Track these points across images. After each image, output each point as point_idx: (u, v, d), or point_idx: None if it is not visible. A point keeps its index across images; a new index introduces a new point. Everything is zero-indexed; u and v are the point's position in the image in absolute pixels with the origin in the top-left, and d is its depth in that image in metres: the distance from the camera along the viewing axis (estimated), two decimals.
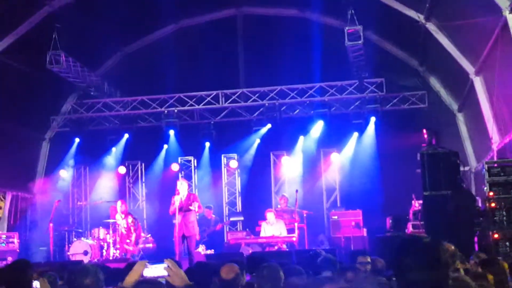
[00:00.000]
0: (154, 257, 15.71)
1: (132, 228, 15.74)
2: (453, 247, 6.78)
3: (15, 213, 19.48)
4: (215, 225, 18.40)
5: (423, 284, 2.83)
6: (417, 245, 2.96)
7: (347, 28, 16.03)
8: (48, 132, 20.51)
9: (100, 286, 4.97)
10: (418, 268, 2.83)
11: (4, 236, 17.71)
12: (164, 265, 4.08)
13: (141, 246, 17.21)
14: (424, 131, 13.29)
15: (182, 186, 14.23)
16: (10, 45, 16.67)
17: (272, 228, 16.12)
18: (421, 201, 13.51)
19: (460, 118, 18.50)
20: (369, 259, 7.86)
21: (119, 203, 16.37)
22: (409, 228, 15.06)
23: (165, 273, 4.07)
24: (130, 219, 15.87)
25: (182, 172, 20.32)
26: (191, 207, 14.12)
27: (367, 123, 18.94)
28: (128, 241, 15.90)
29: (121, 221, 15.89)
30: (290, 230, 16.36)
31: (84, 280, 4.88)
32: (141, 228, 16.66)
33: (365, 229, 17.32)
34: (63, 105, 20.52)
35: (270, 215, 16.26)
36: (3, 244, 17.40)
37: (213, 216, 18.71)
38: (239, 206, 20.24)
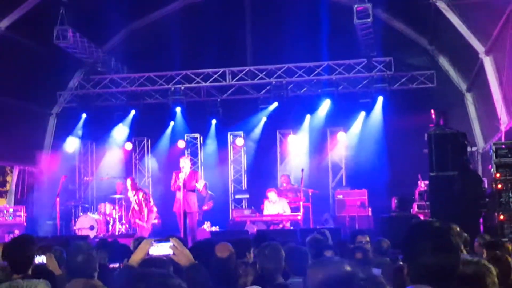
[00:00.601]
0: (160, 233, 15.82)
1: (143, 203, 15.65)
2: (458, 229, 6.75)
3: (22, 187, 19.60)
4: (207, 201, 18.28)
5: (435, 268, 2.85)
6: (428, 229, 2.97)
7: (356, 6, 15.91)
8: (55, 107, 20.55)
9: (93, 263, 4.97)
10: (430, 252, 2.86)
11: (11, 209, 17.85)
12: (170, 243, 4.08)
13: (155, 221, 17.20)
14: (432, 111, 13.19)
15: (185, 163, 14.24)
16: (16, 20, 16.60)
17: (275, 206, 16.16)
18: (427, 182, 13.48)
19: (469, 98, 18.42)
20: (367, 239, 7.88)
21: (128, 181, 16.29)
22: (415, 209, 15.07)
23: (170, 251, 4.07)
24: (141, 194, 15.75)
25: (188, 149, 20.35)
26: (197, 184, 14.14)
27: (374, 102, 18.86)
28: (141, 216, 15.79)
29: (133, 198, 15.80)
30: (295, 209, 16.39)
31: (76, 257, 4.88)
32: (152, 204, 16.48)
33: (370, 209, 17.34)
34: (70, 81, 20.53)
35: (271, 195, 16.30)
36: (10, 218, 17.55)
37: (209, 192, 18.62)
38: (244, 184, 20.27)
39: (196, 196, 14.71)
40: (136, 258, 4.18)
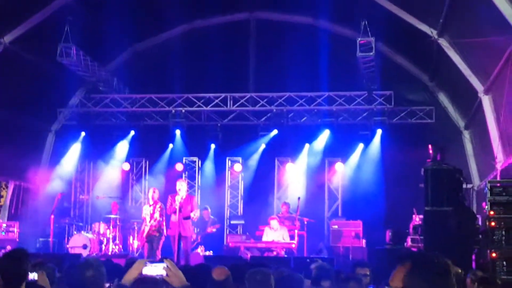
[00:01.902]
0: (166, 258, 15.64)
1: (158, 213, 15.17)
2: (450, 264, 6.74)
3: (16, 202, 19.53)
4: (210, 225, 18.36)
5: None
6: (428, 263, 2.97)
7: (359, 39, 16.08)
8: (54, 124, 20.57)
9: (102, 280, 4.98)
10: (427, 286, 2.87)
11: (4, 225, 17.78)
12: (164, 264, 4.10)
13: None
14: (430, 146, 13.25)
15: (182, 186, 14.21)
16: (21, 35, 16.69)
17: (275, 234, 16.20)
18: (421, 216, 13.50)
19: (466, 135, 18.51)
20: (367, 272, 7.83)
21: (151, 190, 15.77)
22: (409, 242, 15.06)
23: (164, 272, 4.09)
24: (158, 206, 15.31)
25: (186, 172, 20.35)
26: (191, 214, 14.03)
27: (373, 135, 18.96)
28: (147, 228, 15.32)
29: (148, 209, 15.34)
30: (290, 237, 16.39)
31: (85, 273, 4.89)
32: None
33: (364, 240, 17.33)
34: (71, 98, 20.58)
35: (273, 222, 16.38)
36: (3, 233, 17.47)
37: (211, 217, 18.73)
38: (240, 210, 20.25)
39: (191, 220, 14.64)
40: (129, 277, 4.19)
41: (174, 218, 13.92)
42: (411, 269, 2.94)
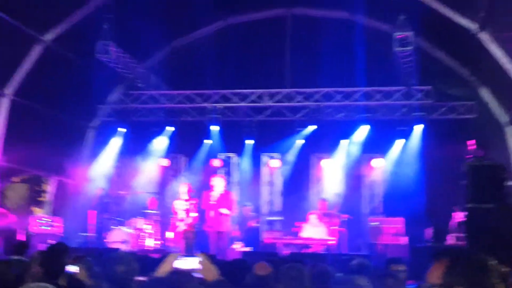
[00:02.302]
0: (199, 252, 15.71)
1: (192, 208, 15.22)
2: (494, 263, 6.60)
3: (58, 197, 19.83)
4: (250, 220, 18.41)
5: None
6: (466, 260, 2.93)
7: (397, 33, 15.88)
8: (94, 120, 20.78)
9: (132, 275, 5.01)
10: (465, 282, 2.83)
11: (47, 219, 18.01)
12: (197, 258, 4.08)
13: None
14: (471, 142, 13.04)
15: (217, 182, 14.20)
16: (61, 34, 16.94)
17: (314, 230, 16.10)
18: (463, 213, 13.28)
19: (509, 131, 18.14)
20: (402, 268, 7.72)
21: (184, 185, 15.84)
22: (449, 240, 14.84)
23: (197, 266, 4.07)
24: (193, 202, 15.37)
25: (223, 168, 20.38)
26: (222, 211, 13.97)
27: (412, 130, 18.73)
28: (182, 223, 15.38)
29: (182, 204, 15.36)
30: (329, 234, 16.27)
31: (118, 267, 4.92)
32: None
33: (405, 238, 17.10)
34: (110, 95, 20.77)
35: (312, 218, 16.28)
36: (48, 228, 17.69)
37: (251, 213, 18.75)
38: (277, 206, 20.20)
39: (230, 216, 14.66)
40: (163, 270, 4.19)
41: (211, 213, 13.93)
42: (449, 265, 2.91)
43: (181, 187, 15.82)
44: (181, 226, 15.05)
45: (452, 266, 2.90)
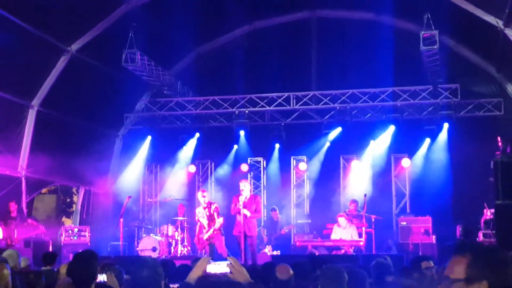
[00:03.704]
0: (220, 256, 15.78)
1: (215, 214, 15.32)
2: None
3: (87, 207, 20.00)
4: (281, 228, 18.48)
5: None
6: (491, 254, 2.96)
7: (422, 32, 15.82)
8: (121, 129, 20.94)
9: (158, 280, 5.01)
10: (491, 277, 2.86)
11: (76, 229, 18.16)
12: (227, 262, 4.10)
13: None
14: (499, 138, 12.93)
15: (245, 186, 14.23)
16: (87, 43, 17.13)
17: (344, 232, 16.08)
18: (493, 210, 13.17)
19: None
20: (431, 264, 7.70)
21: (202, 192, 15.90)
22: (480, 237, 14.71)
23: (227, 270, 4.09)
24: (213, 207, 15.41)
25: (251, 172, 20.43)
26: (244, 212, 13.87)
27: (440, 129, 18.61)
28: (204, 230, 15.42)
29: (203, 212, 15.40)
30: (358, 235, 16.23)
31: (141, 272, 4.94)
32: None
33: (434, 236, 17.00)
34: (137, 103, 20.92)
35: (341, 220, 16.25)
36: (75, 237, 17.84)
37: (279, 216, 18.80)
38: (307, 209, 20.19)
39: (257, 219, 14.68)
40: (193, 275, 4.20)
41: (239, 218, 13.95)
42: (473, 260, 2.92)
43: (198, 194, 15.92)
44: (204, 233, 15.12)
45: (475, 261, 2.91)
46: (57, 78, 17.11)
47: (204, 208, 15.25)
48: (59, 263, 11.23)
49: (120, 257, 14.70)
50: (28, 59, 15.99)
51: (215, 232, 15.06)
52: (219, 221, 15.12)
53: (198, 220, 15.34)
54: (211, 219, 15.15)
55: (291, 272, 6.38)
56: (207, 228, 15.10)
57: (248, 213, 13.89)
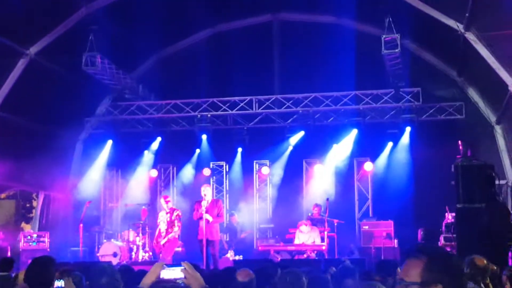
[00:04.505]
0: (183, 261, 15.59)
1: (176, 221, 15.27)
2: (485, 261, 6.57)
3: (47, 212, 19.69)
4: (240, 233, 18.43)
5: None
6: (445, 258, 3.00)
7: (384, 36, 15.87)
8: (82, 133, 20.65)
9: (117, 286, 4.92)
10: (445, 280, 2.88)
11: (35, 235, 17.88)
12: (182, 267, 4.00)
13: (178, 249, 17.16)
14: (460, 142, 13.01)
15: (207, 191, 14.12)
16: (46, 46, 16.83)
17: (307, 236, 16.04)
18: (454, 214, 13.24)
19: (498, 130, 18.14)
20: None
21: (164, 199, 15.81)
22: (441, 241, 14.80)
23: (182, 275, 3.99)
24: (175, 213, 15.36)
25: (214, 177, 20.32)
26: (206, 217, 13.80)
27: (402, 133, 18.74)
28: (163, 235, 15.33)
29: (164, 217, 15.34)
30: (321, 239, 16.21)
31: (100, 279, 4.84)
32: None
33: (396, 240, 17.07)
34: (98, 107, 20.66)
35: (303, 228, 16.21)
36: (34, 243, 17.56)
37: (238, 221, 18.76)
38: (269, 213, 20.12)
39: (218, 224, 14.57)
40: (147, 280, 4.12)
41: (201, 223, 13.84)
42: (428, 264, 2.92)
43: (161, 200, 15.83)
44: (162, 238, 15.05)
45: (430, 265, 2.91)
46: (15, 82, 16.75)
47: (167, 213, 15.18)
48: (17, 269, 11.01)
49: (80, 263, 14.44)
50: None
51: (171, 238, 15.01)
52: (175, 230, 15.05)
53: (159, 224, 15.28)
54: (170, 225, 15.08)
55: (252, 275, 6.32)
56: (164, 233, 15.03)
57: (210, 218, 13.76)
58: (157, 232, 15.37)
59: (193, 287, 3.94)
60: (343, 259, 9.87)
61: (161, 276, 4.03)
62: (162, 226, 15.17)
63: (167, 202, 15.38)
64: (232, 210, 19.04)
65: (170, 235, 15.04)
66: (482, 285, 6.41)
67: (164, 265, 4.09)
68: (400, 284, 2.98)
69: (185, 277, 3.95)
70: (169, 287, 4.36)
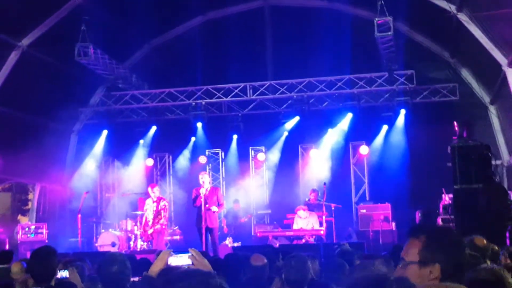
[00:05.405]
0: (182, 249, 15.64)
1: (162, 212, 15.34)
2: (484, 241, 6.61)
3: (44, 204, 19.69)
4: (240, 218, 18.45)
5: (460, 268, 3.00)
6: (444, 236, 3.07)
7: (376, 19, 15.84)
8: (76, 124, 20.61)
9: (127, 275, 4.95)
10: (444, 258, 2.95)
11: (33, 227, 17.89)
12: (189, 254, 4.02)
13: (177, 237, 17.21)
14: (455, 123, 13.02)
15: (204, 178, 14.14)
16: (38, 38, 16.79)
17: (305, 221, 16.07)
18: (451, 195, 13.28)
19: (493, 110, 18.20)
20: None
21: (151, 188, 15.90)
22: (439, 222, 14.85)
23: (189, 261, 4.01)
24: (162, 203, 15.43)
25: (210, 164, 20.32)
26: (212, 208, 13.91)
27: (396, 115, 18.75)
28: (150, 224, 15.45)
29: (151, 205, 15.46)
30: (319, 224, 16.25)
31: (111, 268, 4.86)
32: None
33: (393, 223, 17.15)
34: (92, 98, 20.62)
35: (300, 213, 16.21)
36: (32, 235, 17.57)
37: (241, 208, 18.75)
38: (266, 199, 20.16)
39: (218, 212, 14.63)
40: (155, 268, 4.14)
41: (200, 210, 13.87)
42: (427, 243, 2.98)
43: (148, 189, 15.84)
44: (149, 227, 15.12)
45: (428, 244, 2.97)
46: (8, 74, 16.72)
47: (153, 202, 15.20)
48: (16, 261, 11.00)
49: (80, 253, 14.44)
50: None
51: (157, 229, 15.05)
52: (162, 222, 15.10)
53: (146, 210, 15.33)
54: (156, 215, 15.10)
55: (265, 259, 6.41)
56: (151, 222, 15.07)
57: (216, 209, 13.88)
58: (144, 220, 15.48)
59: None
60: (342, 243, 9.89)
61: (169, 263, 4.07)
62: (149, 215, 15.24)
63: (153, 192, 15.38)
64: (235, 197, 19.06)
65: (156, 226, 15.09)
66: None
67: (172, 252, 4.12)
68: (400, 263, 3.03)
69: (192, 264, 3.98)
70: (179, 272, 4.37)
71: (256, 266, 6.17)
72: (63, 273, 5.66)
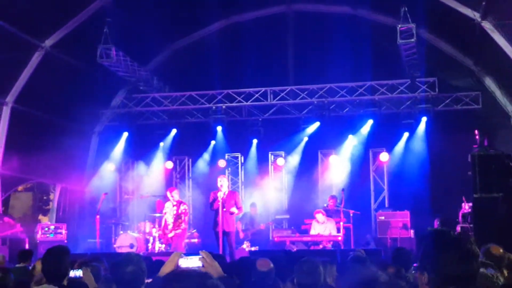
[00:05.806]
0: (199, 252, 15.60)
1: (183, 216, 15.34)
2: (501, 250, 6.54)
3: (64, 205, 19.79)
4: (259, 224, 18.39)
5: (458, 275, 2.89)
6: (449, 240, 3.00)
7: (399, 26, 15.77)
8: (97, 125, 20.72)
9: (142, 276, 4.94)
10: (454, 262, 2.88)
11: (52, 227, 17.98)
12: (199, 256, 4.02)
13: (194, 240, 17.23)
14: (476, 132, 12.94)
15: (223, 182, 14.13)
16: (61, 39, 16.91)
17: (322, 227, 16.01)
18: (471, 204, 13.17)
19: None
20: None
21: (170, 191, 15.92)
22: (458, 230, 14.73)
23: (200, 264, 4.00)
24: (182, 207, 15.45)
25: (229, 168, 20.32)
26: (231, 210, 13.92)
27: (418, 123, 18.62)
28: (169, 227, 15.45)
29: (171, 209, 15.42)
30: (337, 230, 16.18)
31: (126, 268, 4.85)
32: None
33: (412, 231, 17.02)
34: (113, 99, 20.72)
35: (319, 216, 16.14)
36: (51, 235, 17.66)
37: (258, 213, 18.71)
38: (285, 204, 20.11)
39: (235, 216, 14.61)
40: (165, 270, 4.13)
41: (218, 214, 13.87)
42: (423, 249, 3.05)
43: (167, 193, 15.83)
44: (169, 230, 15.12)
45: (423, 250, 3.06)
46: (31, 75, 16.87)
47: (173, 206, 15.19)
48: (36, 260, 11.07)
49: (98, 254, 14.45)
50: (1, 55, 15.72)
51: (178, 233, 15.04)
52: (182, 227, 15.09)
53: (165, 213, 15.32)
54: (176, 219, 15.08)
55: (272, 265, 6.36)
56: (171, 226, 15.07)
57: (236, 210, 13.87)
58: (163, 223, 15.45)
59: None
60: (357, 249, 9.83)
61: (179, 265, 4.06)
62: (169, 218, 15.21)
63: (172, 196, 15.38)
64: (253, 201, 19.02)
65: (177, 231, 15.07)
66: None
67: (182, 254, 4.11)
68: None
69: (203, 266, 3.98)
70: (185, 273, 4.36)
71: (261, 271, 6.14)
72: (76, 273, 5.67)
